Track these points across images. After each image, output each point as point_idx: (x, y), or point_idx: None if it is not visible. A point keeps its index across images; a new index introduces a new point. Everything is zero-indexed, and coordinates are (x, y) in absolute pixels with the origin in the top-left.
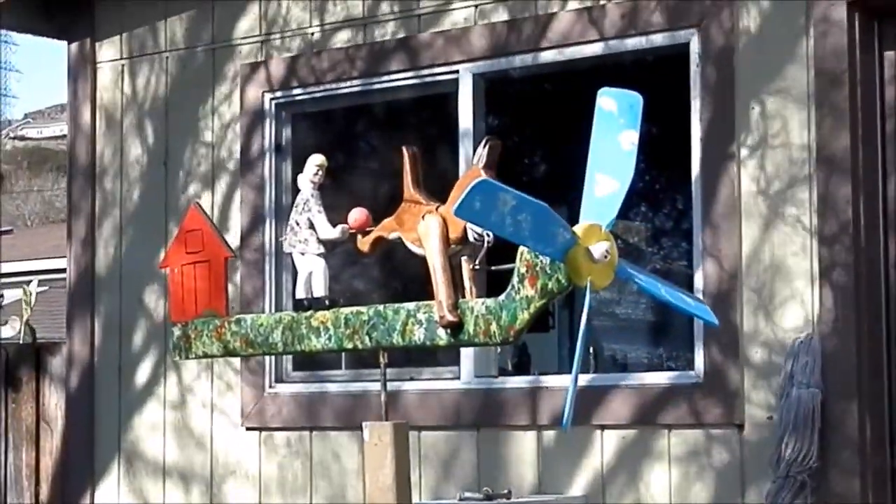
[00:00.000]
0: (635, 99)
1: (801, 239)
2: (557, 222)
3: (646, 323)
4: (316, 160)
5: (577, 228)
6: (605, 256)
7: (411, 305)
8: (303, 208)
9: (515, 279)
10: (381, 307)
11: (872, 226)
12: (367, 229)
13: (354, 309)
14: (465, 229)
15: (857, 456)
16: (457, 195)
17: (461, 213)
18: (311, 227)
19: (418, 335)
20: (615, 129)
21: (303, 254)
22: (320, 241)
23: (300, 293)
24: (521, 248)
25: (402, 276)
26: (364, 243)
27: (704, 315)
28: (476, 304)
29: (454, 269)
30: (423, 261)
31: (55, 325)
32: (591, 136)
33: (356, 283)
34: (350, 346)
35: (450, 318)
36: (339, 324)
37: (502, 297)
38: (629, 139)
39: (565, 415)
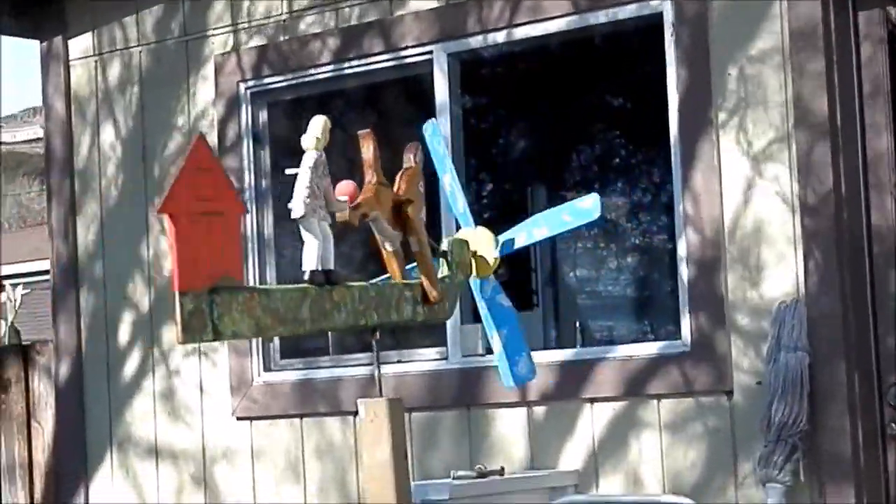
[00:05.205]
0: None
1: (783, 203)
2: None
3: (629, 297)
4: (325, 120)
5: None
6: None
7: (399, 283)
8: (323, 171)
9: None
10: (378, 284)
11: (854, 186)
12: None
13: (360, 284)
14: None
15: (847, 417)
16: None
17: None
18: (321, 192)
19: (407, 311)
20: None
21: (321, 220)
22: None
23: (313, 264)
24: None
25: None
26: (354, 216)
27: (504, 370)
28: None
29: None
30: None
31: (39, 327)
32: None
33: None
34: (362, 322)
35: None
36: (353, 299)
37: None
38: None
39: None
